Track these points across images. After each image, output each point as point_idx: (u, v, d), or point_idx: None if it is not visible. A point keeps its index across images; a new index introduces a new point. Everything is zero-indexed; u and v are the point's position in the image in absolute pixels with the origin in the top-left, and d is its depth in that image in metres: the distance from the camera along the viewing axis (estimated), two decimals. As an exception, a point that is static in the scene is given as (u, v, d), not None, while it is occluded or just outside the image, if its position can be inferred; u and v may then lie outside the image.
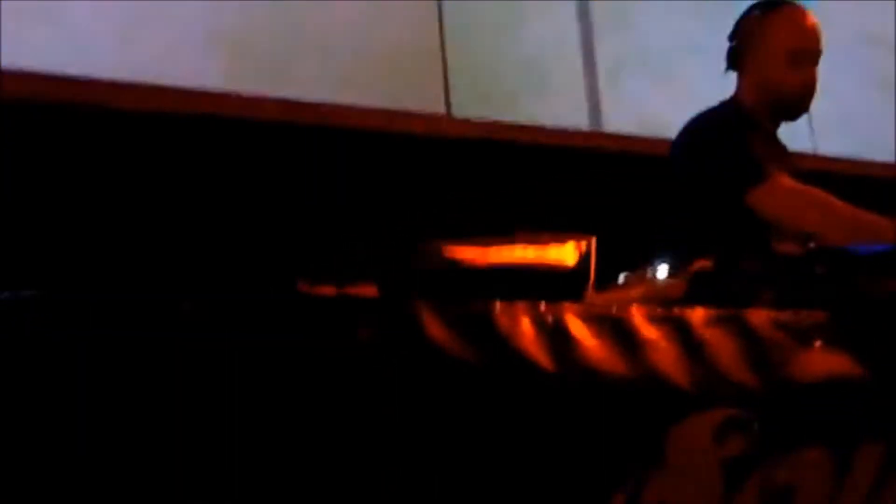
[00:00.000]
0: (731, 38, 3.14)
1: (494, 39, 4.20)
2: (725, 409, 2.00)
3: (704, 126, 3.07)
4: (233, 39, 3.70)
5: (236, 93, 3.63)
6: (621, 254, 2.38)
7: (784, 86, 3.06)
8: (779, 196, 2.89)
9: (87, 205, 3.24)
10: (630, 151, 4.23)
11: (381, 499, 1.77)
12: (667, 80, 4.44)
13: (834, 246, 2.39)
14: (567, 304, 1.96)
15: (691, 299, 2.20)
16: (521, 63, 4.25)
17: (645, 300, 2.18)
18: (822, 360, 2.10)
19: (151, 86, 3.49)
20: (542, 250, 2.11)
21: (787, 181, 2.93)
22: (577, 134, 4.29)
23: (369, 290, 1.96)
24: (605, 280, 2.31)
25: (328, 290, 1.94)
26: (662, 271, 2.39)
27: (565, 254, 2.13)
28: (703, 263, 2.31)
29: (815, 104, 3.10)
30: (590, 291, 2.14)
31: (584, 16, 4.44)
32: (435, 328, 1.83)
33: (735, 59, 3.12)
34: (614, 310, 2.00)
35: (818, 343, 2.10)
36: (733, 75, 3.14)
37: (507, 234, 2.11)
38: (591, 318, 1.96)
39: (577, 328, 1.94)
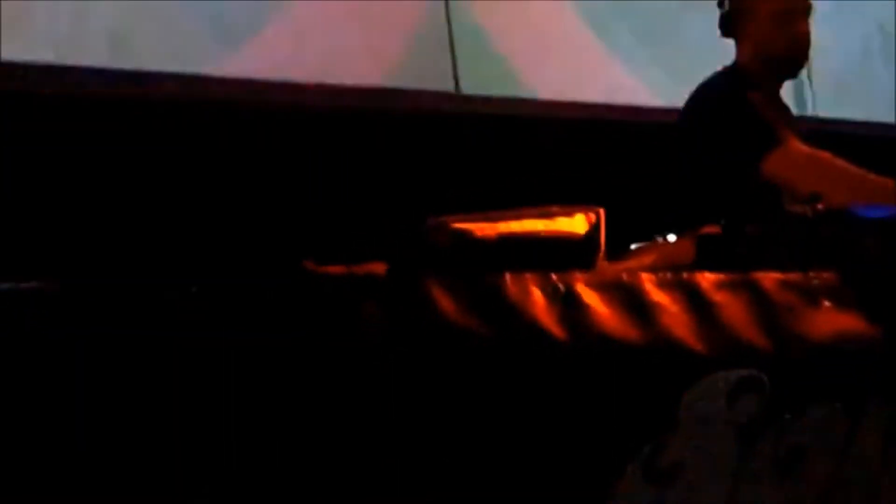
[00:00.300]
0: (720, 4, 3.13)
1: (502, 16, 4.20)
2: (737, 370, 2.02)
3: (711, 94, 3.07)
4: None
5: (246, 77, 3.65)
6: (634, 226, 2.39)
7: (776, 47, 3.05)
8: (793, 160, 2.90)
9: (87, 194, 3.24)
10: (637, 122, 4.23)
11: (395, 475, 1.78)
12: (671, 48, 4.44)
13: (841, 208, 2.40)
14: (577, 274, 1.97)
15: (701, 264, 2.21)
16: (529, 37, 4.25)
17: (655, 267, 2.19)
18: (831, 321, 2.11)
19: (159, 73, 3.51)
20: (551, 221, 2.12)
21: (800, 146, 2.93)
22: (584, 106, 4.30)
23: (378, 269, 1.97)
24: (618, 251, 2.33)
25: (337, 270, 1.95)
26: (672, 239, 2.40)
27: (575, 224, 2.14)
28: (711, 228, 2.32)
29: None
30: (601, 261, 2.15)
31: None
32: (446, 303, 1.85)
33: (727, 26, 3.12)
34: (625, 277, 2.01)
35: (827, 303, 2.11)
36: None
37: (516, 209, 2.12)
38: (601, 286, 1.97)
39: (589, 296, 1.95)
